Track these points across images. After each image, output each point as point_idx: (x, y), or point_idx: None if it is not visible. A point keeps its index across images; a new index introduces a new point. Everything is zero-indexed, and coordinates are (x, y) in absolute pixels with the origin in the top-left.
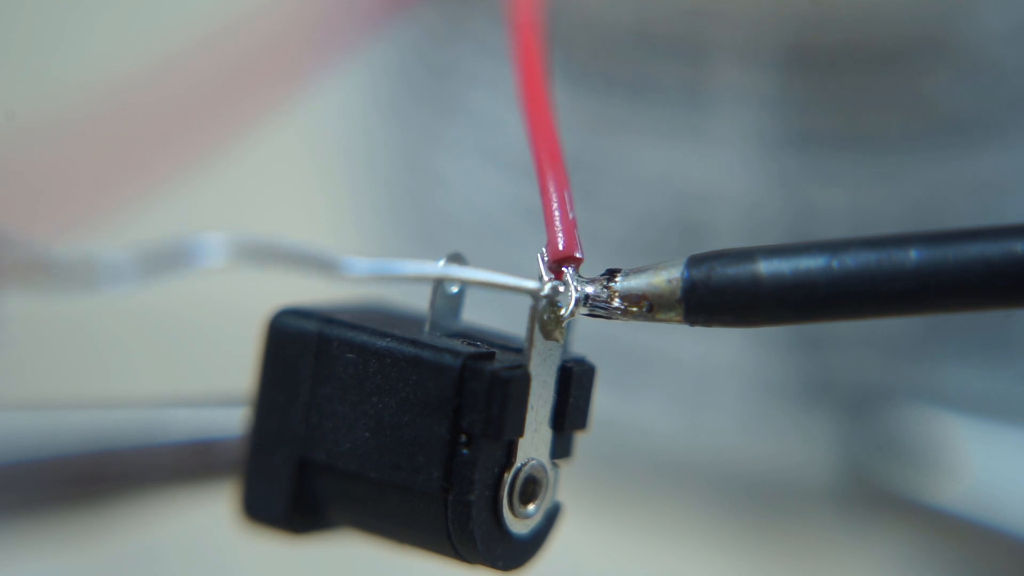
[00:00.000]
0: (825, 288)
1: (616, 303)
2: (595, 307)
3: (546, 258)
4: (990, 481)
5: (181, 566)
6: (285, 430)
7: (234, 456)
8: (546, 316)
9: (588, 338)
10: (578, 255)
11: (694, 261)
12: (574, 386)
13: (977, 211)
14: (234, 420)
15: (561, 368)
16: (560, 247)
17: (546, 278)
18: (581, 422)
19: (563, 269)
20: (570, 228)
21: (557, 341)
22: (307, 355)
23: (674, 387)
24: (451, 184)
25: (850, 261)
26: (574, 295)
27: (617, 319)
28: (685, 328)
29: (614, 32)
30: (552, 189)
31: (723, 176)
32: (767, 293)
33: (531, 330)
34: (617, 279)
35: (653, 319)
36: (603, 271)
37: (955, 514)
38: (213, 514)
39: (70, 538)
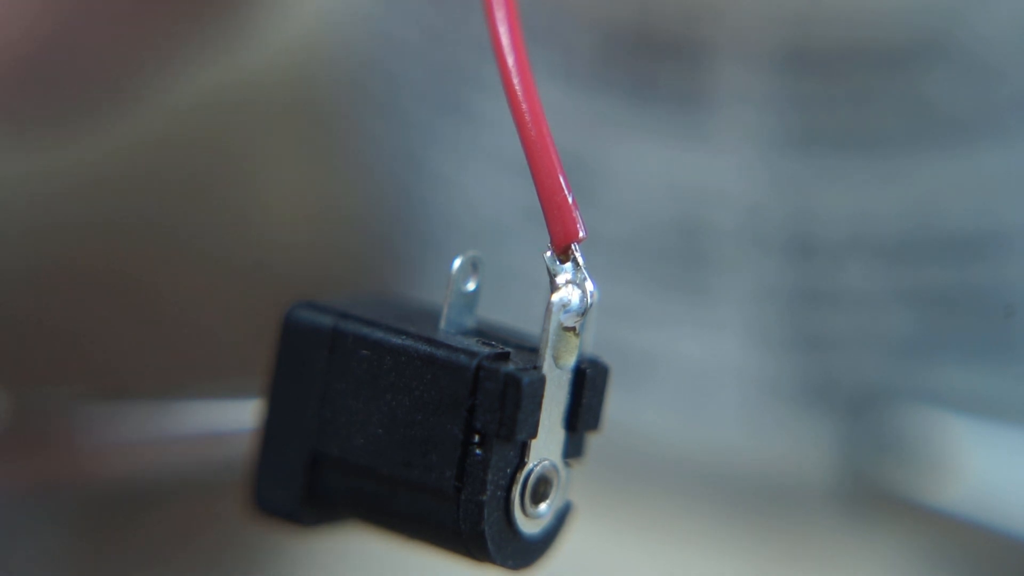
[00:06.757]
0: None
1: None
2: None
3: (550, 251)
4: (990, 481)
5: (192, 558)
6: (298, 424)
7: (247, 449)
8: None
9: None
10: (582, 234)
11: None
12: (588, 387)
13: (977, 212)
14: (247, 413)
15: (576, 369)
16: (563, 230)
17: (558, 276)
18: (594, 423)
19: (571, 250)
20: (568, 208)
21: (572, 343)
22: (322, 350)
23: (674, 387)
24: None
25: None
26: (590, 285)
27: None
28: (685, 327)
29: (614, 32)
30: (542, 170)
31: (723, 177)
32: None
33: (546, 331)
34: None
35: None
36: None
37: (955, 514)
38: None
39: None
